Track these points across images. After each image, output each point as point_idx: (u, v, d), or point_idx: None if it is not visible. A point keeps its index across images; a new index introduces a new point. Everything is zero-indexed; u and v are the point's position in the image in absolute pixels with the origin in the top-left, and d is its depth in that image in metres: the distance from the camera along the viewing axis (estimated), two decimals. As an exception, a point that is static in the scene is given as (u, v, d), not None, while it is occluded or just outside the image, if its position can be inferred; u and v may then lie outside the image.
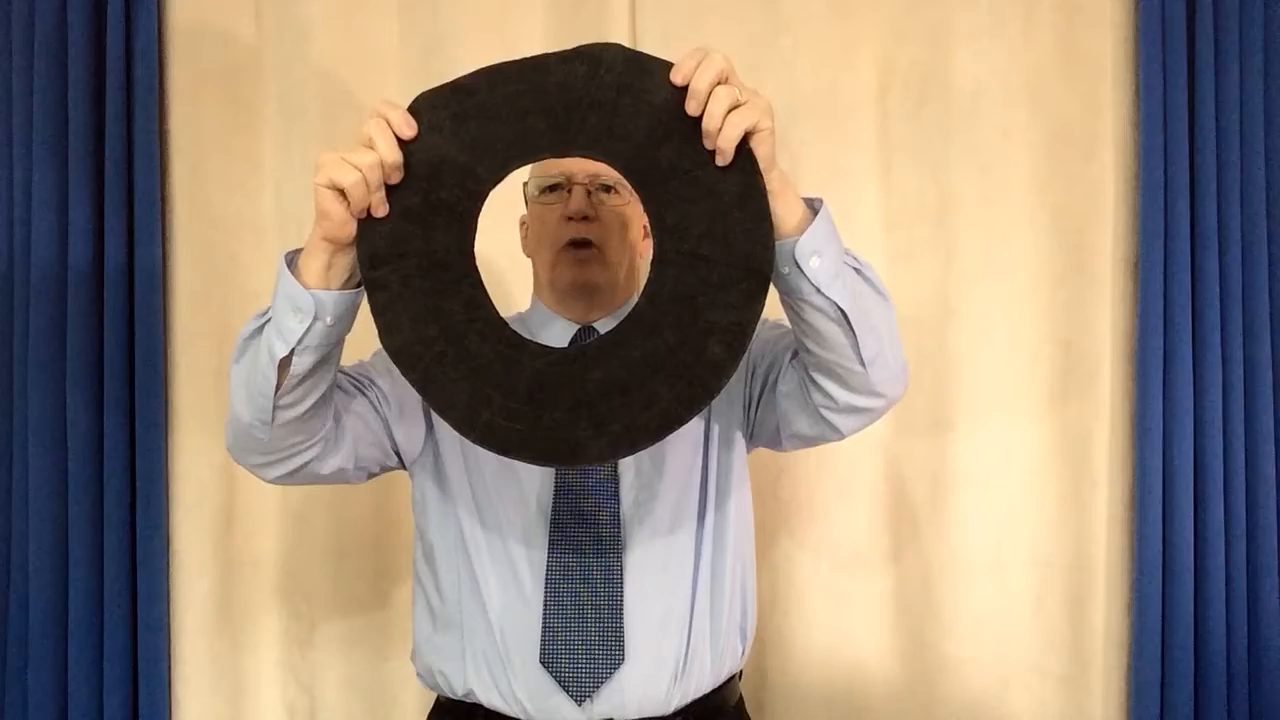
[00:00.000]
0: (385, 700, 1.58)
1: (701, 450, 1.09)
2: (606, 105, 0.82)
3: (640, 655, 1.01)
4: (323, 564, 1.58)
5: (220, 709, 1.57)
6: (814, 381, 0.93)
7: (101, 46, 1.53)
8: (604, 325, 1.12)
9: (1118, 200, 1.54)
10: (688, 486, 1.08)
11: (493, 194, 0.87)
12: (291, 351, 0.84)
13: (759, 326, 0.98)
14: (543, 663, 1.01)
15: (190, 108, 1.57)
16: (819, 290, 0.84)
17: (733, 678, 1.13)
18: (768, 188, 0.81)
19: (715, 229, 0.81)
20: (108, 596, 1.51)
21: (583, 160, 1.07)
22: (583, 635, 1.01)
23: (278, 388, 0.87)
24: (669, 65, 0.80)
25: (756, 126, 0.78)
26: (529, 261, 1.19)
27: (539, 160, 0.86)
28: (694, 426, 1.08)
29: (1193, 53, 1.51)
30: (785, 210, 0.83)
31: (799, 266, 0.84)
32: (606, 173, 1.07)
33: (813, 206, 0.86)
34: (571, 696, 1.00)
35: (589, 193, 1.07)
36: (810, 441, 1.03)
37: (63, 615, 1.52)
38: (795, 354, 0.97)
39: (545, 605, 1.02)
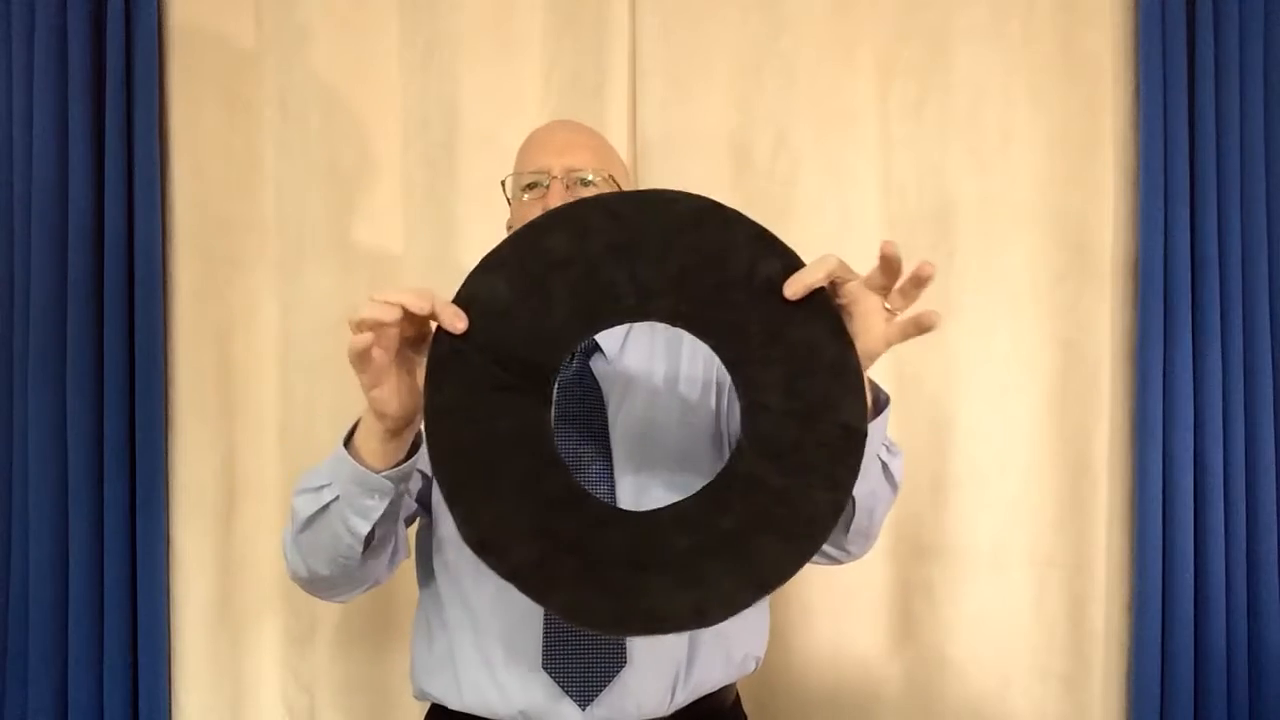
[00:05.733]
0: (385, 700, 1.58)
1: (706, 454, 1.09)
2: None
3: (642, 657, 1.01)
4: (323, 564, 1.58)
5: (220, 709, 1.57)
6: None
7: (101, 46, 1.53)
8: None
9: (1118, 200, 1.54)
10: (688, 488, 1.07)
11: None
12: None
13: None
14: (545, 668, 1.00)
15: (190, 108, 1.57)
16: None
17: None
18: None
19: (806, 380, 0.79)
20: (108, 596, 1.51)
21: (560, 154, 1.08)
22: (584, 638, 1.00)
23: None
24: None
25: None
26: None
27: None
28: (696, 434, 1.08)
29: (1193, 52, 1.51)
30: None
31: None
32: (584, 166, 1.07)
33: (879, 401, 0.88)
34: (575, 700, 0.99)
35: (567, 187, 1.07)
36: None
37: (63, 615, 1.52)
38: None
39: (546, 611, 1.00)
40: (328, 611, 1.58)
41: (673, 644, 1.02)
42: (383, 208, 1.59)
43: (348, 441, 0.88)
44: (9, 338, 1.55)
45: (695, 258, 0.79)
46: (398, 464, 0.86)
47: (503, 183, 1.14)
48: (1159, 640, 1.49)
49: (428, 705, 1.11)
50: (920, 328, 0.81)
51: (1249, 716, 1.51)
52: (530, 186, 1.09)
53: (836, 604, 1.57)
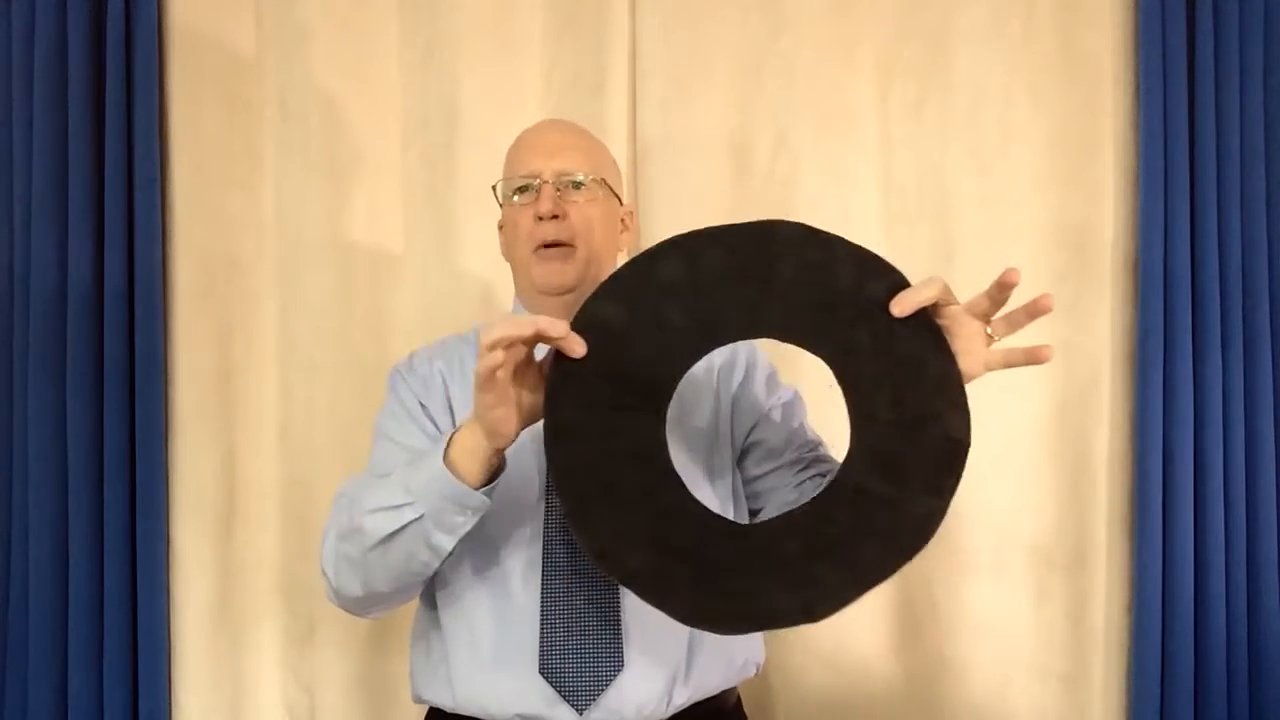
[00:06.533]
0: (385, 700, 1.58)
1: (702, 463, 1.08)
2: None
3: (638, 661, 1.01)
4: (323, 564, 1.58)
5: (220, 709, 1.57)
6: None
7: (101, 47, 1.53)
8: None
9: (1118, 200, 1.54)
10: None
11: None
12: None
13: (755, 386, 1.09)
14: (542, 673, 1.00)
15: (190, 108, 1.57)
16: None
17: None
18: None
19: (913, 394, 0.83)
20: (108, 596, 1.51)
21: (550, 158, 1.08)
22: (581, 643, 1.00)
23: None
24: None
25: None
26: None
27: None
28: (695, 444, 1.08)
29: (1192, 52, 1.51)
30: None
31: None
32: (575, 169, 1.07)
33: None
34: (572, 705, 0.99)
35: (558, 190, 1.07)
36: None
37: (63, 615, 1.52)
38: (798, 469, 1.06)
39: (542, 615, 1.00)
40: (328, 611, 1.58)
41: (671, 648, 1.02)
42: (382, 208, 1.59)
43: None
44: (9, 338, 1.55)
45: (801, 279, 0.84)
46: (491, 481, 0.90)
47: (494, 187, 1.14)
48: (1159, 640, 1.49)
49: (426, 709, 1.11)
50: (1033, 360, 0.87)
51: (1249, 716, 1.51)
52: (521, 190, 1.09)
53: (836, 604, 1.57)
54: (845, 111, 1.57)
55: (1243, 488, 1.51)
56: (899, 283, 0.83)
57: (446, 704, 1.04)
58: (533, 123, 1.16)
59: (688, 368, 0.85)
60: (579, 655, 1.00)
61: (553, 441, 0.83)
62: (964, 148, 1.55)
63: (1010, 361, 0.86)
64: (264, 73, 1.58)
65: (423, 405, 1.09)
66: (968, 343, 0.84)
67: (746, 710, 1.17)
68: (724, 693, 1.10)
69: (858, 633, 1.57)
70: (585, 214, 1.08)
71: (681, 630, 1.02)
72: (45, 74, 1.52)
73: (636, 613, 1.01)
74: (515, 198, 1.10)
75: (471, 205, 1.55)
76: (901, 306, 0.81)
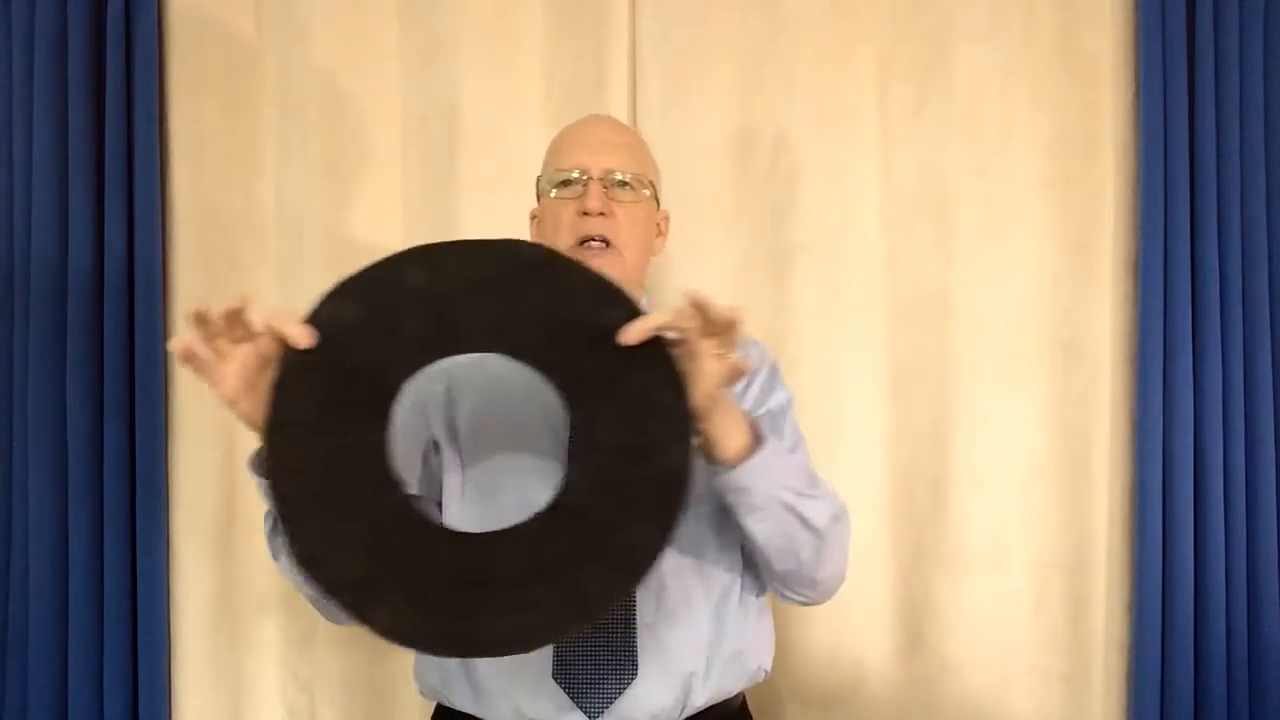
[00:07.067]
0: (385, 700, 1.58)
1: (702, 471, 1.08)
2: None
3: (653, 669, 1.00)
4: (323, 564, 1.58)
5: (220, 709, 1.57)
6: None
7: (101, 46, 1.53)
8: None
9: (1118, 200, 1.54)
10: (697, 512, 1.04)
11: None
12: None
13: None
14: (555, 678, 0.99)
15: (190, 108, 1.57)
16: (739, 516, 0.92)
17: None
18: (695, 405, 0.83)
19: (638, 422, 0.83)
20: (108, 596, 1.51)
21: (598, 155, 1.07)
22: (595, 649, 0.99)
23: None
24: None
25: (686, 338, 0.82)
26: None
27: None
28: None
29: (1193, 53, 1.51)
30: (720, 435, 0.88)
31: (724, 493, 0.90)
32: (622, 168, 1.07)
33: (759, 438, 0.91)
34: (585, 712, 0.98)
35: (605, 188, 1.07)
36: None
37: (63, 615, 1.52)
38: None
39: None
40: (328, 611, 1.58)
41: (688, 656, 1.01)
42: (383, 208, 1.59)
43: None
44: (9, 337, 1.55)
45: (537, 301, 0.83)
46: None
47: (538, 178, 1.13)
48: (1159, 640, 1.49)
49: (433, 706, 1.11)
50: (739, 370, 0.85)
51: (1249, 717, 1.51)
52: (565, 184, 1.08)
53: (837, 604, 1.55)
54: (845, 111, 1.57)
55: (1243, 488, 1.51)
56: (633, 313, 0.82)
57: (460, 705, 1.03)
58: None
59: (413, 374, 0.83)
60: (593, 661, 0.99)
61: (271, 435, 0.80)
62: (964, 148, 1.55)
63: (733, 376, 0.86)
64: (264, 72, 1.58)
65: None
66: (704, 364, 0.83)
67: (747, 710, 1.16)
68: (731, 696, 1.10)
69: (859, 632, 1.57)
70: (631, 214, 1.08)
71: (700, 638, 1.02)
72: (45, 73, 1.52)
73: (652, 619, 1.01)
74: (554, 192, 1.09)
75: (471, 205, 1.55)
76: (629, 336, 0.81)
